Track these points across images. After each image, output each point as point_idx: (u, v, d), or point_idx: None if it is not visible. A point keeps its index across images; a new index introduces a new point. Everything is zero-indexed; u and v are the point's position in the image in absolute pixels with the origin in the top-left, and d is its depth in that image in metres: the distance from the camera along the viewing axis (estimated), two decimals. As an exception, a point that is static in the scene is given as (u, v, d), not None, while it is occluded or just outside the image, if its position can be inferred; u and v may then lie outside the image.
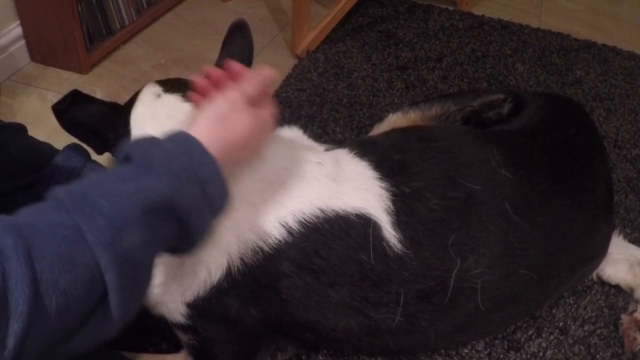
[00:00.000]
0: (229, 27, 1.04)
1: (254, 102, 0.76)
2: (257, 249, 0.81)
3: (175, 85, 0.96)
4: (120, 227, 0.57)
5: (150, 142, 0.66)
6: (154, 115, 0.91)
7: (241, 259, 0.81)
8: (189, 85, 1.01)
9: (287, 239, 0.81)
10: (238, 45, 1.03)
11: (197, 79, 0.80)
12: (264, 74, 0.78)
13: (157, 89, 0.95)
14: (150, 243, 0.60)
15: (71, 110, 0.95)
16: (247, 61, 1.05)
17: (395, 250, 0.85)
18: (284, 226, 0.82)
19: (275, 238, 0.81)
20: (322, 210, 0.83)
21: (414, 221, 0.87)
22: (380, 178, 0.89)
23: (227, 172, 0.69)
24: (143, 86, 0.98)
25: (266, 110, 0.78)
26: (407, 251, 0.85)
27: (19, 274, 0.51)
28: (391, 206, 0.86)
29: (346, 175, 0.88)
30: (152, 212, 0.60)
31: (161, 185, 0.61)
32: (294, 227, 0.82)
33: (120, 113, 0.96)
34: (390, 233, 0.85)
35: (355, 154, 0.94)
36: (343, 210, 0.84)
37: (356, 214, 0.84)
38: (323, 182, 0.83)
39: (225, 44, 1.04)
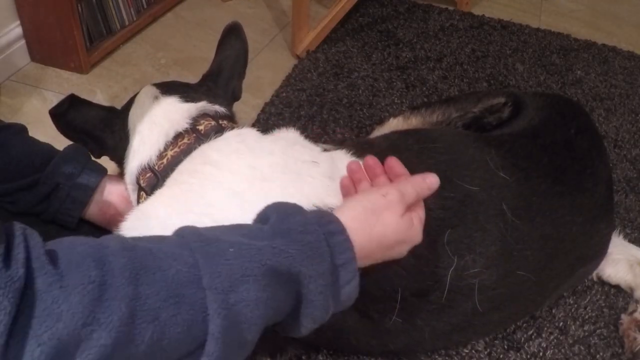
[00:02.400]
0: (223, 30, 1.04)
1: (408, 205, 0.74)
2: None
3: (172, 88, 0.97)
4: (239, 279, 0.55)
5: (293, 209, 0.65)
6: (152, 118, 0.91)
7: None
8: (187, 87, 1.01)
9: None
10: (233, 47, 1.04)
11: (354, 165, 0.79)
12: (427, 181, 0.76)
13: (155, 91, 0.95)
14: (263, 304, 0.57)
15: (68, 114, 0.95)
16: (242, 63, 1.05)
17: None
18: None
19: None
20: (317, 207, 0.83)
21: None
22: None
23: (361, 267, 0.67)
24: (141, 88, 0.99)
25: (417, 216, 0.75)
26: None
27: (121, 291, 0.49)
28: None
29: (342, 173, 0.88)
30: (274, 274, 0.58)
31: (291, 250, 0.59)
32: None
33: (118, 116, 0.97)
34: None
35: (352, 153, 0.93)
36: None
37: None
38: (319, 180, 0.82)
39: (219, 46, 1.04)
